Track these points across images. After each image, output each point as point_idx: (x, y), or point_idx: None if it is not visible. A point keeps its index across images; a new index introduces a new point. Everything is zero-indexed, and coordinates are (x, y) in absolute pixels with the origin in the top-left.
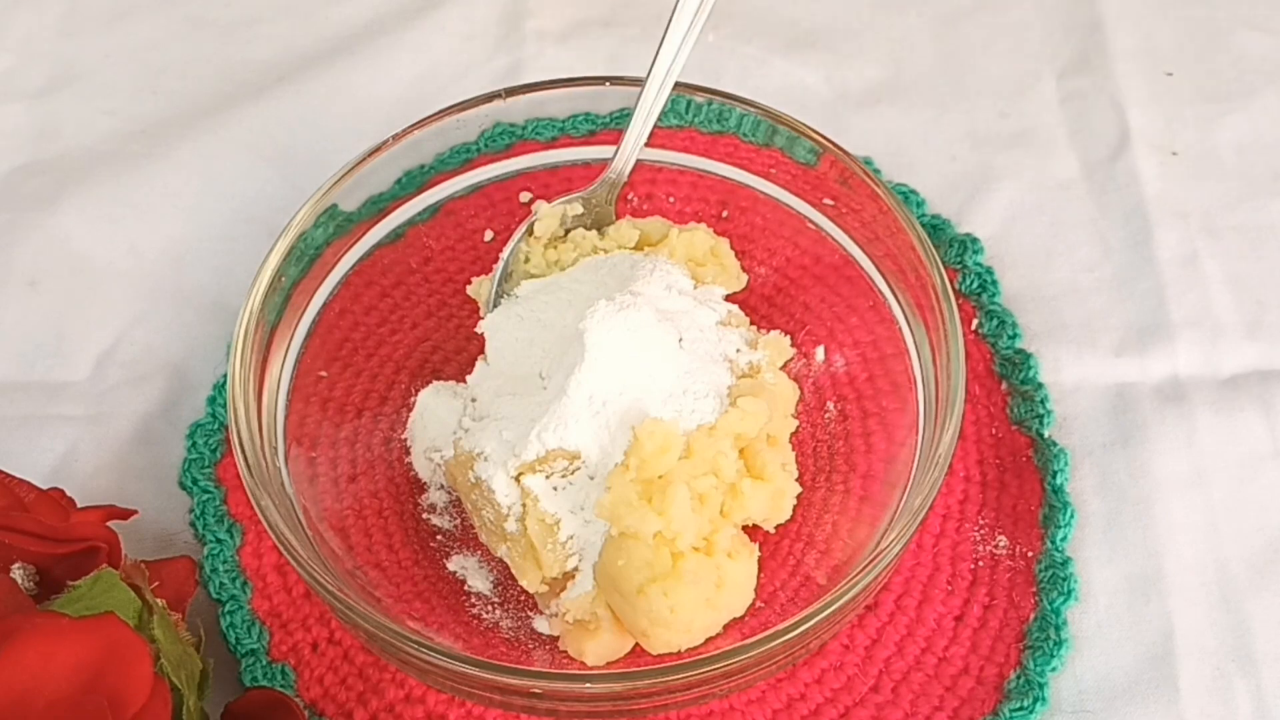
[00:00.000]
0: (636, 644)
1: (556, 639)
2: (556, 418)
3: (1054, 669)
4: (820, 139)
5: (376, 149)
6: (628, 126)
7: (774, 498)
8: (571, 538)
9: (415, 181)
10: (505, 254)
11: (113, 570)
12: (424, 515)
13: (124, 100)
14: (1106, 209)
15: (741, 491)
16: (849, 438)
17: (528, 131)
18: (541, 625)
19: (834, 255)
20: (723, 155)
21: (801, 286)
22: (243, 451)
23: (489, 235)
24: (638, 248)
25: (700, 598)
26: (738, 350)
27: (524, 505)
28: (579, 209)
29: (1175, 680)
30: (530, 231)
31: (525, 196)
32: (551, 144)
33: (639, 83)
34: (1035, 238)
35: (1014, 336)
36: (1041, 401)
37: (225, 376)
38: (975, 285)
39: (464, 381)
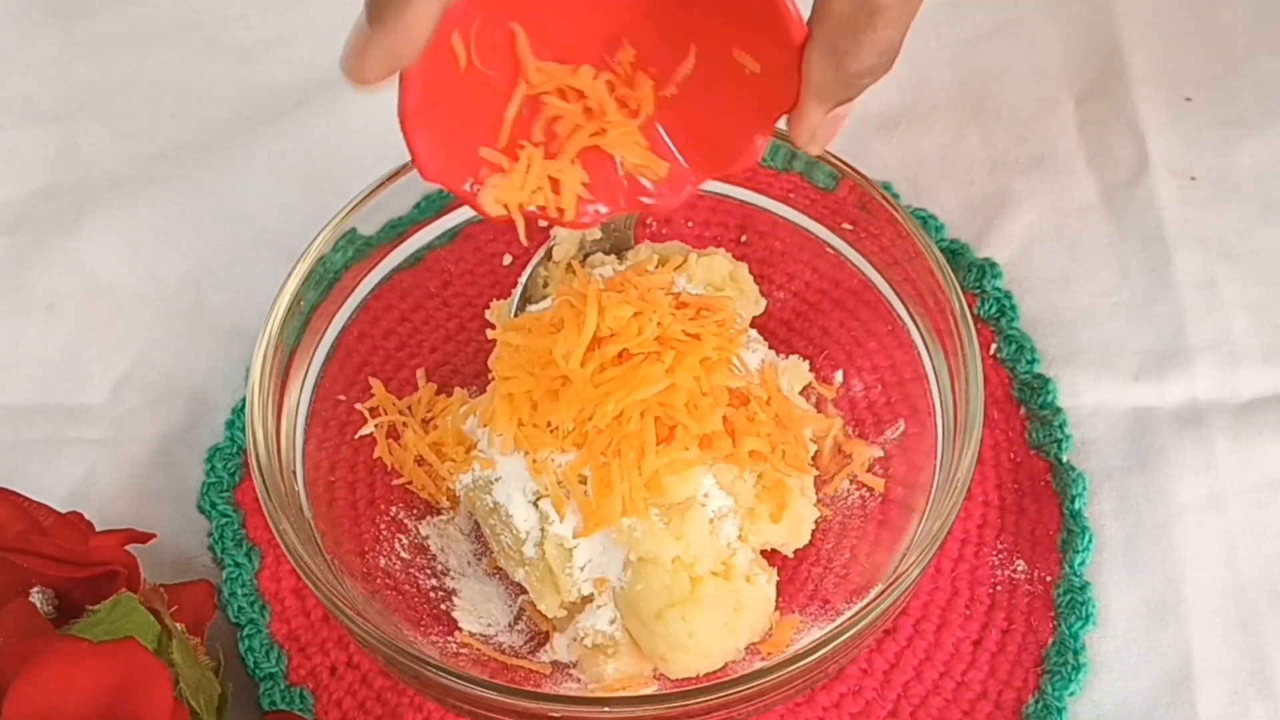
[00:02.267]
0: (655, 668)
1: (575, 663)
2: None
3: (1072, 694)
4: (839, 164)
5: (396, 173)
6: None
7: (792, 522)
8: (590, 562)
9: (434, 206)
10: (524, 278)
11: (131, 594)
12: None
13: (143, 124)
14: (1125, 233)
15: (760, 516)
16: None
17: None
18: (560, 649)
19: (853, 280)
20: (741, 180)
21: (820, 311)
22: (261, 475)
23: (508, 260)
24: None
25: (719, 622)
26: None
27: (542, 530)
28: (598, 233)
29: (1194, 704)
30: (549, 256)
31: (544, 221)
32: None
33: None
34: (1054, 262)
35: (1032, 361)
36: (1060, 426)
37: (244, 400)
38: (994, 310)
39: None
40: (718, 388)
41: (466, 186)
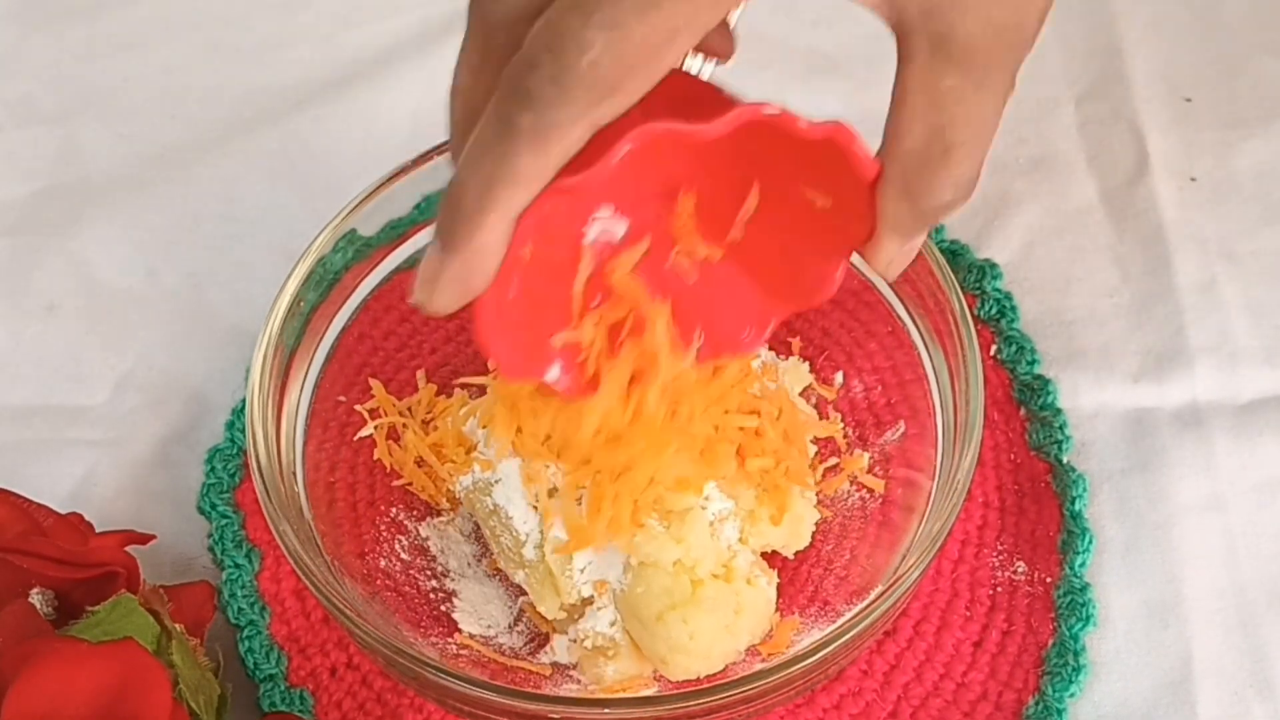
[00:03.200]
0: (655, 670)
1: (575, 665)
2: None
3: (1072, 695)
4: None
5: (396, 174)
6: None
7: (793, 524)
8: (590, 564)
9: (434, 206)
10: None
11: (131, 595)
12: None
13: (143, 125)
14: (1125, 234)
15: (760, 519)
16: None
17: None
18: (560, 651)
19: (853, 280)
20: None
21: (820, 312)
22: (261, 476)
23: None
24: None
25: (719, 624)
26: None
27: (542, 532)
28: None
29: (1194, 705)
30: None
31: None
32: None
33: None
34: (1054, 263)
35: (1033, 362)
36: (1060, 427)
37: (244, 401)
38: (994, 310)
39: None
40: (732, 430)
41: (549, 376)
